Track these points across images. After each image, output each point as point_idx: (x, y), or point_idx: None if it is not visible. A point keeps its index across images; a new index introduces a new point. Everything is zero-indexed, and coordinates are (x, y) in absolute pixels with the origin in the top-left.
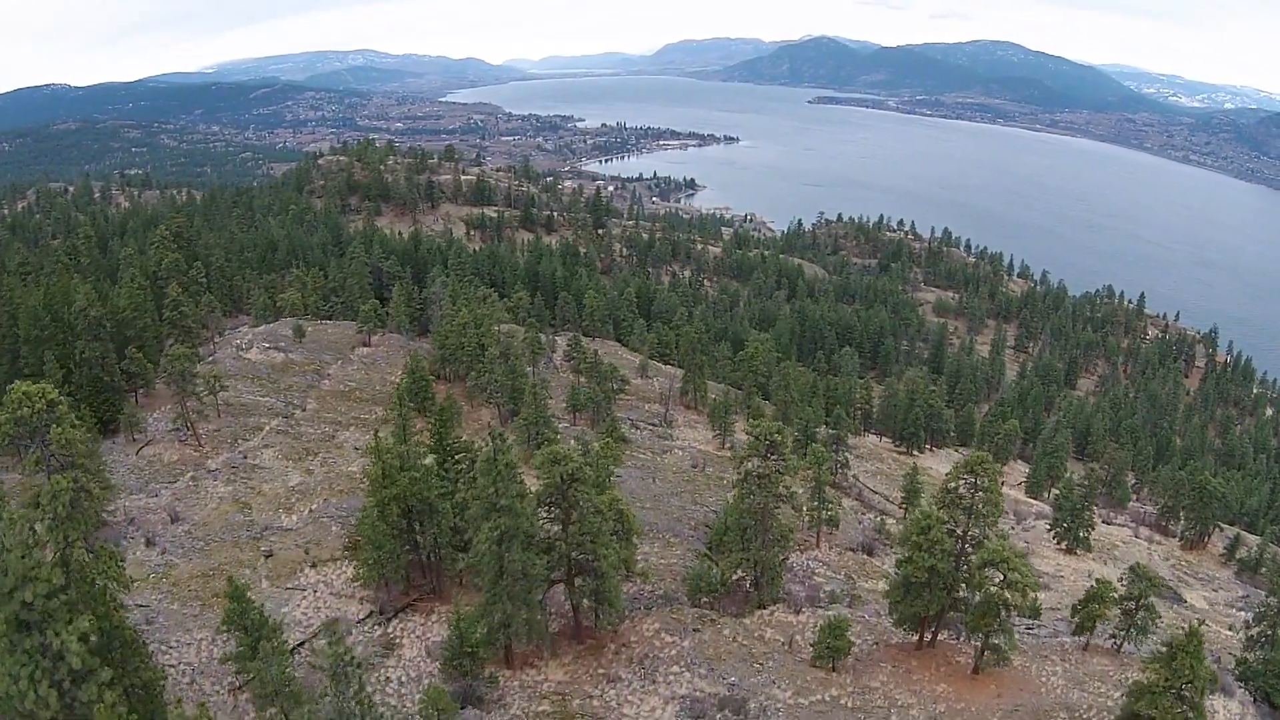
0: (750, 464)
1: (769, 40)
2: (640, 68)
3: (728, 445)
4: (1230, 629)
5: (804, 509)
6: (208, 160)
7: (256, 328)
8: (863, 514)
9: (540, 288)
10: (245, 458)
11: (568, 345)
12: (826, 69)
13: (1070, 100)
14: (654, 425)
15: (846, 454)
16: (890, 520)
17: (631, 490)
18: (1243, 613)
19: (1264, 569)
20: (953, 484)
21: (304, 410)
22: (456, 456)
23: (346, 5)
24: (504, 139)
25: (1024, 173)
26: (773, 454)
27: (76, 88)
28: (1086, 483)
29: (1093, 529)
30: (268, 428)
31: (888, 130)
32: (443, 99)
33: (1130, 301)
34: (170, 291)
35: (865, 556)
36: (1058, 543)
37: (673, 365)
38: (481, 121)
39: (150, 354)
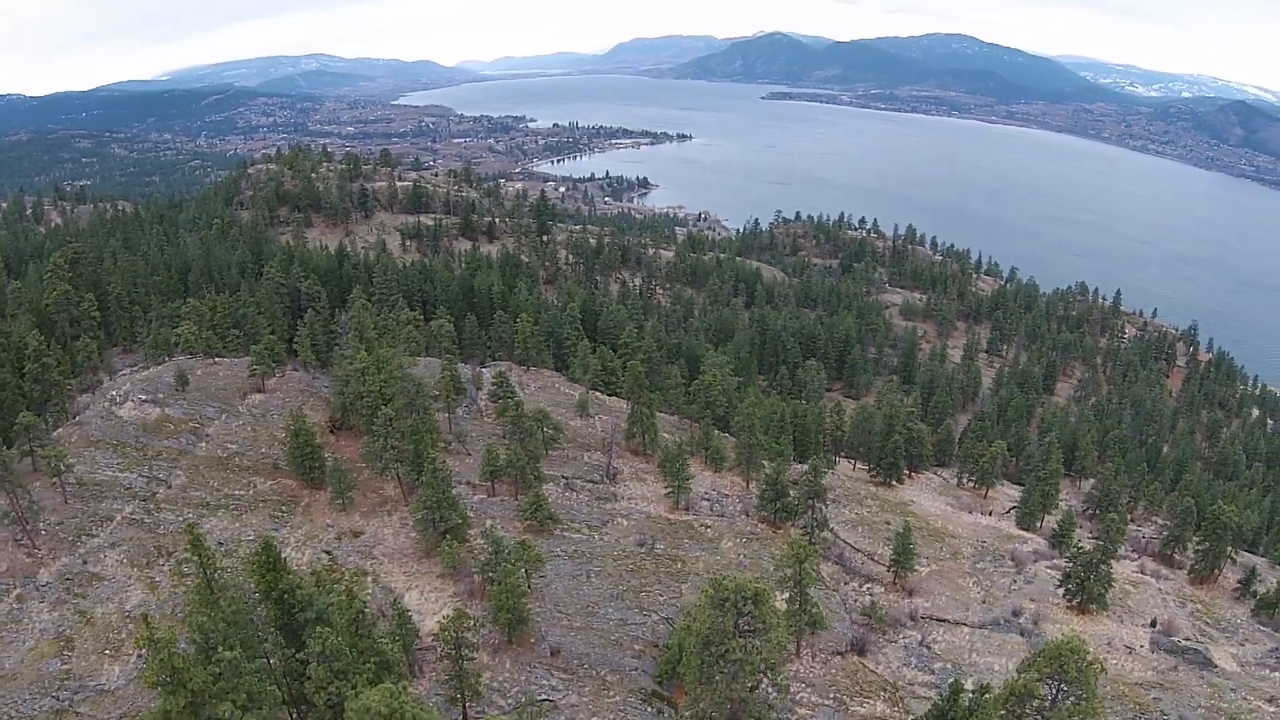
0: (713, 634)
1: (722, 37)
2: (593, 67)
3: (682, 505)
4: (1270, 701)
5: (782, 610)
6: (157, 169)
7: (144, 371)
8: (845, 583)
9: (476, 305)
10: (85, 563)
11: (493, 382)
12: (780, 65)
13: (1026, 92)
14: (594, 482)
15: (824, 510)
16: (879, 589)
17: (558, 600)
18: (1277, 674)
19: None
20: (1025, 683)
21: (168, 488)
22: (297, 610)
23: (300, 9)
24: (456, 141)
25: (983, 166)
26: (745, 616)
27: (32, 98)
28: (1105, 536)
29: (1110, 586)
30: (119, 516)
31: (843, 125)
32: (395, 102)
33: (1105, 298)
34: (30, 340)
35: (857, 659)
36: (1069, 600)
37: (619, 397)
38: (433, 124)
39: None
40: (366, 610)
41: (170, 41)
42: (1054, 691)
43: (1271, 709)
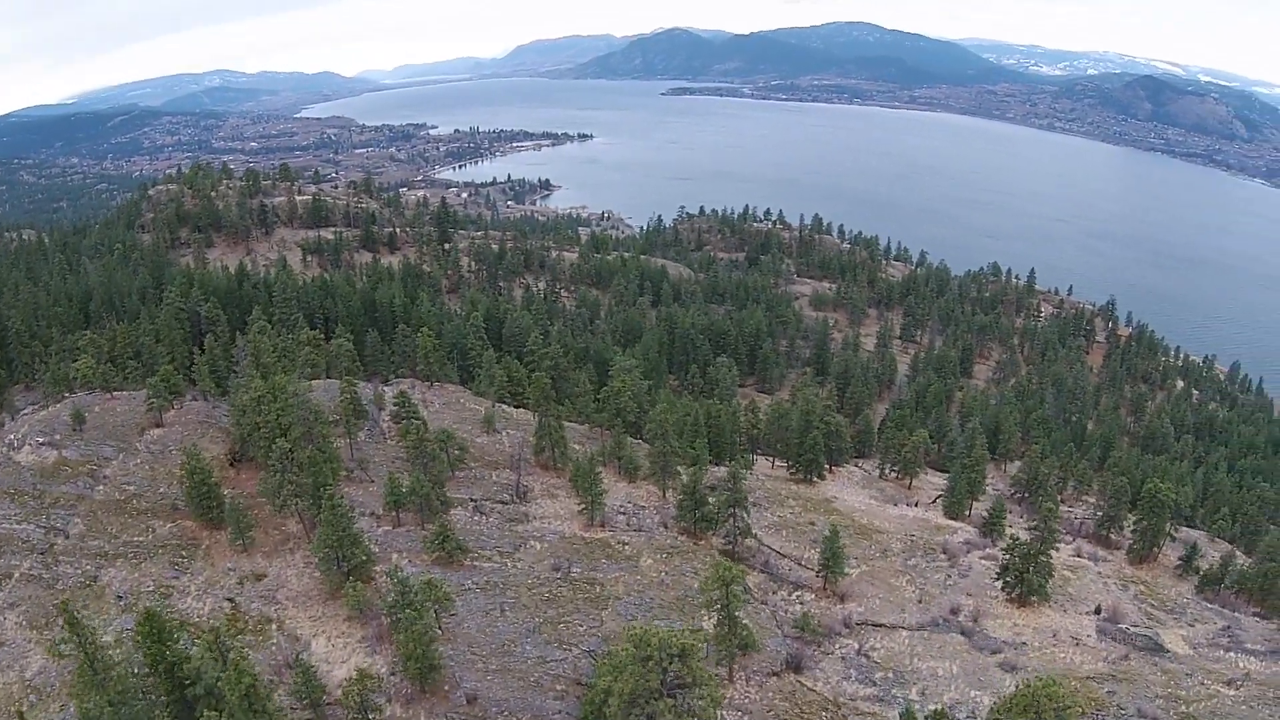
0: (638, 694)
1: (621, 35)
2: (493, 70)
3: (597, 521)
4: (1228, 685)
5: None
6: (65, 194)
7: (42, 411)
8: (773, 593)
9: (378, 320)
10: None
11: (395, 402)
12: (679, 60)
13: (928, 76)
14: (504, 502)
15: (746, 517)
16: (809, 596)
17: (471, 639)
18: (1231, 654)
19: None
20: None
21: (66, 538)
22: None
23: (202, 25)
24: (358, 152)
25: (889, 151)
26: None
27: None
28: (1042, 526)
29: (1050, 576)
30: (17, 573)
31: (744, 117)
32: (297, 115)
33: (1018, 278)
34: None
35: (794, 679)
36: (1007, 593)
37: (527, 409)
38: (335, 135)
39: None
40: (260, 680)
41: (75, 63)
42: None
43: (1231, 693)
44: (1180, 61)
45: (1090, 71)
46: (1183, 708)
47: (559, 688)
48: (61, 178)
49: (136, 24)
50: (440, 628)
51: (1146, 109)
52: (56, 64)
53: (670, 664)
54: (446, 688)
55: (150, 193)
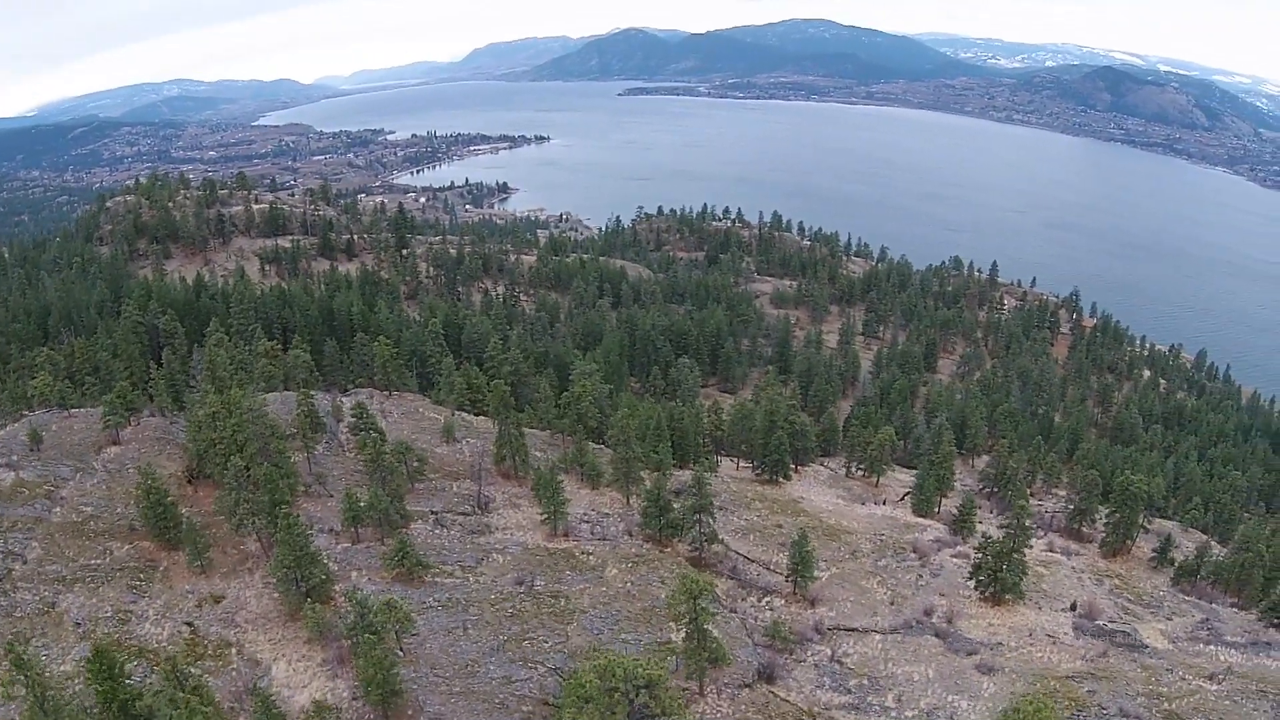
0: None
1: (577, 36)
2: (450, 74)
3: (560, 531)
4: (1210, 679)
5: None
6: (26, 208)
7: (1, 430)
8: (742, 600)
9: (336, 329)
10: None
11: (352, 413)
12: (635, 60)
13: (886, 72)
14: (465, 514)
15: (713, 523)
16: (779, 602)
17: (434, 660)
18: (1211, 647)
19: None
20: None
21: (24, 562)
22: None
23: (160, 34)
24: (315, 159)
25: (847, 147)
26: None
27: None
28: (1015, 524)
29: (1024, 574)
30: None
31: (700, 116)
32: (255, 123)
33: (981, 271)
34: None
35: (767, 689)
36: (981, 592)
37: (487, 416)
38: (293, 143)
39: None
40: (219, 709)
41: (35, 75)
42: None
43: (1214, 687)
44: (1139, 52)
45: (1049, 63)
46: (1165, 705)
47: (525, 709)
48: (23, 191)
49: (96, 34)
50: (401, 649)
51: (1106, 99)
52: (16, 76)
53: (637, 695)
54: (410, 712)
55: (108, 205)
